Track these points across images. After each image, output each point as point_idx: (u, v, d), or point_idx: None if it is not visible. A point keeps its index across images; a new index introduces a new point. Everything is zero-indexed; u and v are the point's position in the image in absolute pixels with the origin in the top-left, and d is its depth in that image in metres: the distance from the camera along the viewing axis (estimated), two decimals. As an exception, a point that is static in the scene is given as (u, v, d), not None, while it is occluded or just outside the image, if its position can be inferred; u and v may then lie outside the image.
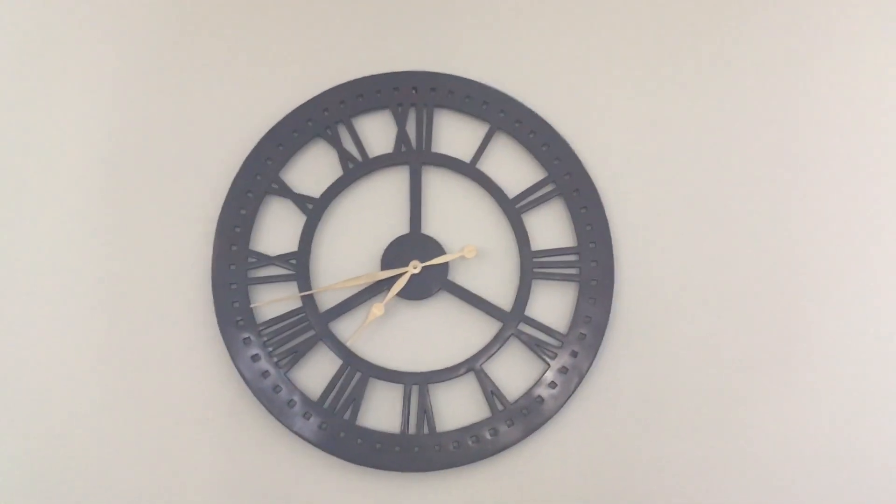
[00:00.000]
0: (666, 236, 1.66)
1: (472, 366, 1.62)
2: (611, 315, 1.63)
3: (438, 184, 1.67)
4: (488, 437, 1.61)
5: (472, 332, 1.64)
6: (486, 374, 1.62)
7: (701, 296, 1.64)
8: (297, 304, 1.63)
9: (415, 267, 1.62)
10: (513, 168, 1.67)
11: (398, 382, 1.62)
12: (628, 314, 1.64)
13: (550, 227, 1.66)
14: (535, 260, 1.64)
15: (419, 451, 1.60)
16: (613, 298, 1.64)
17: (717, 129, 1.67)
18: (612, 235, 1.65)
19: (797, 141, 1.67)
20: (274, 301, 1.62)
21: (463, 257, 1.63)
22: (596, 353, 1.62)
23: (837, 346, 1.63)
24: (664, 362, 1.64)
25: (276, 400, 1.60)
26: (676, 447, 1.62)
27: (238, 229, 1.62)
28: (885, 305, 1.63)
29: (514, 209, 1.65)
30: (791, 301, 1.64)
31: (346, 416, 1.60)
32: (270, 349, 1.61)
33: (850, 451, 1.61)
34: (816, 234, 1.65)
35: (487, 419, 1.61)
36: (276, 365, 1.60)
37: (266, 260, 1.63)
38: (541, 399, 1.61)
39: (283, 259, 1.63)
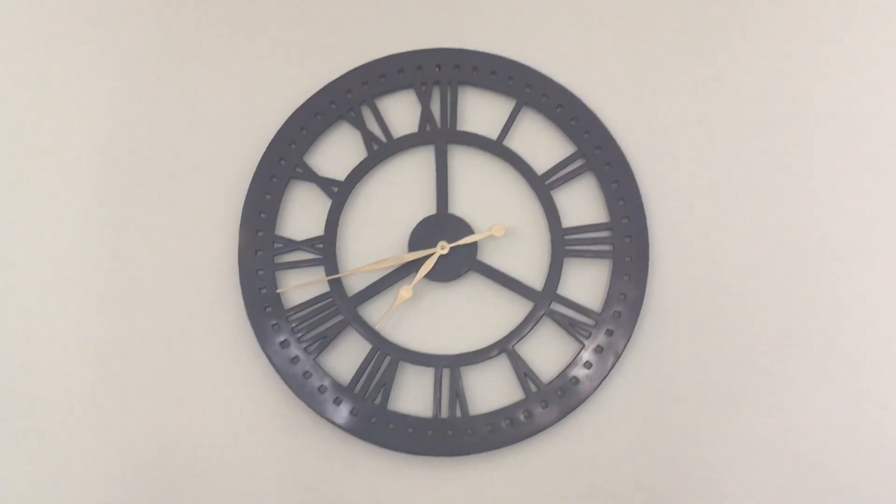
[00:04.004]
0: (702, 209, 1.60)
1: (504, 347, 1.58)
2: (646, 292, 1.59)
3: (465, 162, 1.63)
4: (522, 419, 1.57)
5: (503, 312, 1.60)
6: (518, 356, 1.58)
7: (739, 269, 1.59)
8: (325, 288, 1.61)
9: (443, 248, 1.59)
10: (541, 144, 1.63)
11: (429, 366, 1.59)
12: (665, 290, 1.59)
13: (581, 203, 1.62)
14: (566, 237, 1.60)
15: (452, 434, 1.57)
16: (649, 274, 1.59)
17: (753, 97, 1.61)
18: (645, 210, 1.60)
19: (838, 111, 1.60)
20: (301, 285, 1.60)
21: (492, 236, 1.60)
22: (632, 332, 1.57)
23: (877, 320, 1.57)
24: (702, 339, 1.58)
25: (306, 386, 1.58)
26: (716, 425, 1.57)
27: (263, 215, 1.61)
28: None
29: (543, 186, 1.61)
30: (831, 276, 1.58)
31: (377, 400, 1.58)
32: (299, 335, 1.59)
33: (893, 426, 1.55)
34: (858, 207, 1.59)
35: (521, 401, 1.57)
36: (306, 351, 1.58)
37: (292, 245, 1.61)
38: (576, 380, 1.57)
39: (309, 243, 1.61)
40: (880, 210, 1.58)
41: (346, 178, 1.62)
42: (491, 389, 1.59)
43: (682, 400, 1.58)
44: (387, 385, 1.58)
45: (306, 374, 1.58)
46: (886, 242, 1.58)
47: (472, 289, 1.61)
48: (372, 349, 1.59)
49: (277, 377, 1.59)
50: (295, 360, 1.58)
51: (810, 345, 1.58)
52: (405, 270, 1.60)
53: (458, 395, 1.57)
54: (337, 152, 1.63)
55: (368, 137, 1.63)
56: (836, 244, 1.59)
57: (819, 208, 1.59)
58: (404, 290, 1.57)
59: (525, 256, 1.61)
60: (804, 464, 1.57)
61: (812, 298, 1.58)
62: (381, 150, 1.63)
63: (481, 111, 1.63)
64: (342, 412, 1.57)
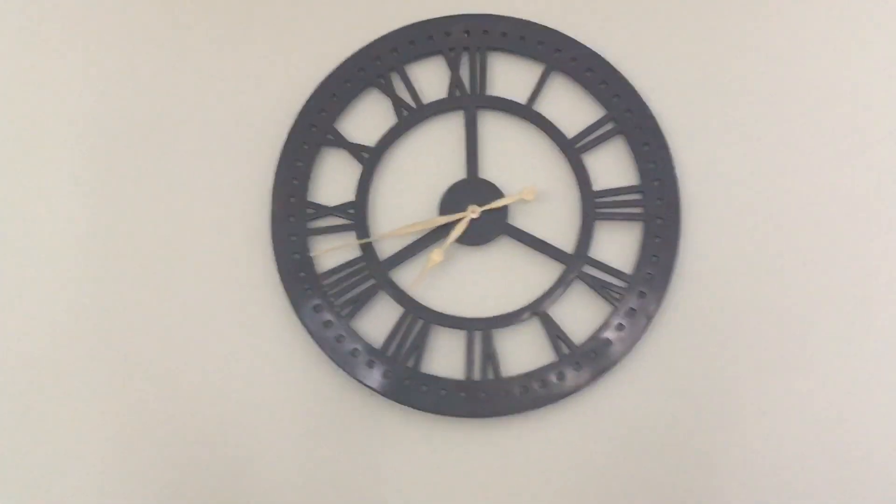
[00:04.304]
0: (734, 170, 1.59)
1: (535, 310, 1.59)
2: (678, 254, 1.58)
3: (494, 127, 1.63)
4: (555, 381, 1.57)
5: (534, 275, 1.60)
6: (550, 318, 1.58)
7: (773, 229, 1.58)
8: (357, 253, 1.62)
9: (473, 212, 1.59)
10: (570, 108, 1.62)
11: (461, 329, 1.59)
12: (697, 252, 1.59)
13: (612, 167, 1.61)
14: (596, 200, 1.60)
15: (485, 396, 1.57)
16: (681, 236, 1.58)
17: (787, 58, 1.59)
18: (676, 172, 1.59)
19: (880, 70, 1.58)
20: (333, 249, 1.61)
21: (522, 200, 1.60)
22: (664, 294, 1.57)
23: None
24: (736, 300, 1.57)
25: (339, 350, 1.59)
26: (749, 387, 1.56)
27: (295, 181, 1.62)
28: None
29: (573, 149, 1.61)
30: (867, 238, 1.56)
31: (410, 363, 1.59)
32: (332, 299, 1.60)
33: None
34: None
35: (554, 363, 1.57)
36: (339, 315, 1.60)
37: (324, 211, 1.62)
38: (608, 342, 1.57)
39: (341, 209, 1.62)
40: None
41: (377, 144, 1.63)
42: (523, 352, 1.59)
43: (715, 361, 1.57)
44: (419, 348, 1.59)
45: (339, 338, 1.59)
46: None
47: (503, 252, 1.61)
48: (404, 313, 1.60)
49: (311, 341, 1.60)
50: (328, 324, 1.60)
51: (845, 307, 1.56)
52: (436, 235, 1.61)
53: (490, 357, 1.58)
54: (367, 119, 1.64)
55: (398, 104, 1.63)
56: (871, 209, 1.57)
57: (854, 170, 1.57)
58: (436, 254, 1.58)
59: (556, 220, 1.61)
60: (838, 427, 1.55)
61: (847, 260, 1.57)
62: (411, 116, 1.63)
63: (510, 76, 1.64)
64: (375, 375, 1.58)
